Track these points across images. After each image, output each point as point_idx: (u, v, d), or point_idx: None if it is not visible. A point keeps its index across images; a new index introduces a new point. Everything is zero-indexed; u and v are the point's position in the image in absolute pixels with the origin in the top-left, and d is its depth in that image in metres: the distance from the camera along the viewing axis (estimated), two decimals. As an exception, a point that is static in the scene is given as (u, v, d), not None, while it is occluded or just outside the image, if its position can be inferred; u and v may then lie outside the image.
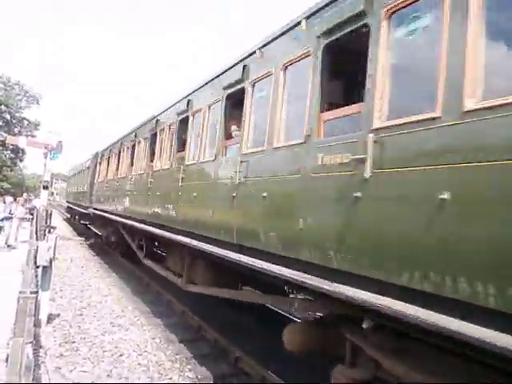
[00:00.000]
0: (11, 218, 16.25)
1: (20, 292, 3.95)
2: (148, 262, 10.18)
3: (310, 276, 3.81)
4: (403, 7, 3.32)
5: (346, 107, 4.19)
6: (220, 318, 8.17)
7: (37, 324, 6.41)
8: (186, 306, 9.11)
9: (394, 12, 3.41)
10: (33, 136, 56.98)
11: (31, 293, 3.92)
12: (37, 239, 10.53)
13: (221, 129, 6.52)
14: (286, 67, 4.92)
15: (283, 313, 8.39)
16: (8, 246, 15.69)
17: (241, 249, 5.37)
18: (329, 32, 4.12)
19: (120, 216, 12.64)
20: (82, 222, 24.05)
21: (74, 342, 7.08)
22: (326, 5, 4.20)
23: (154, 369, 6.31)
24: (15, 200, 18.76)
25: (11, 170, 63.53)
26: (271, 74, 5.18)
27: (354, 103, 4.05)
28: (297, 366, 5.68)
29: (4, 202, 16.74)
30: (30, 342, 2.87)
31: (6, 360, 3.07)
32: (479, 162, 2.54)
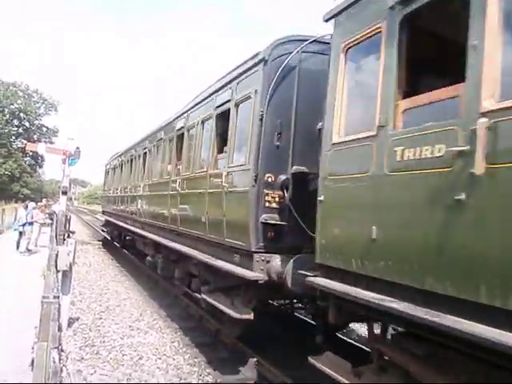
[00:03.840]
0: (32, 223, 16.65)
1: (43, 297, 4.03)
2: None
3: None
4: None
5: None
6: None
7: (58, 328, 6.52)
8: (204, 309, 9.12)
9: None
10: (51, 142, 58.32)
11: (54, 297, 4.00)
12: (57, 244, 10.73)
13: None
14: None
15: (305, 318, 8.33)
16: (28, 250, 16.08)
17: None
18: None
19: None
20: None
21: (94, 346, 7.18)
22: None
23: (172, 372, 6.35)
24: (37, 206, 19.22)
25: (31, 176, 65.06)
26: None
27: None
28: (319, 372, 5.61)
29: (26, 208, 17.16)
30: (56, 348, 2.92)
31: (32, 364, 3.12)
32: None
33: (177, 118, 9.97)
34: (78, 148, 17.88)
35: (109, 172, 22.44)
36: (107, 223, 22.01)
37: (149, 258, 11.80)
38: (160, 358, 6.81)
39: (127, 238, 16.92)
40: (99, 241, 23.83)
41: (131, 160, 15.37)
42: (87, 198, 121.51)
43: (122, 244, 18.84)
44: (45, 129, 66.17)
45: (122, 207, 16.37)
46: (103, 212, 24.63)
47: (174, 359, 6.81)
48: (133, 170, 14.99)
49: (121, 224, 16.08)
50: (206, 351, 7.20)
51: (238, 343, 7.17)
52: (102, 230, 24.67)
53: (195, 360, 6.81)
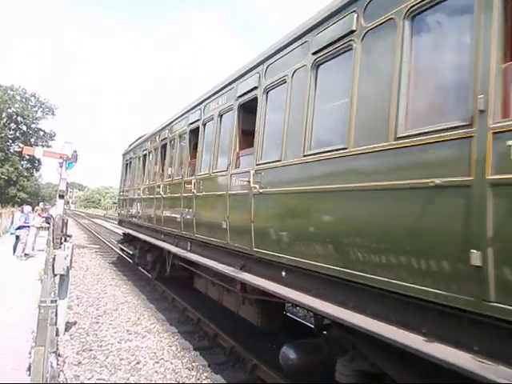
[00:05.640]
0: (28, 227, 16.58)
1: (41, 301, 4.01)
2: None
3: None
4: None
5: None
6: (236, 326, 8.13)
7: (55, 332, 6.47)
8: (202, 313, 9.10)
9: None
10: (48, 146, 58.24)
11: (51, 302, 3.98)
12: (54, 247, 10.68)
13: None
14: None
15: (303, 321, 8.31)
16: (25, 254, 16.00)
17: None
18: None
19: None
20: None
21: (91, 350, 7.13)
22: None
23: (171, 376, 6.31)
24: (33, 210, 19.12)
25: (27, 180, 64.84)
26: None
27: None
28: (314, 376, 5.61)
29: (22, 212, 17.08)
30: (54, 352, 2.90)
31: (29, 369, 3.10)
32: None
33: None
34: (75, 151, 17.81)
35: (131, 163, 15.23)
36: (128, 239, 14.82)
37: (293, 358, 4.56)
38: (158, 362, 6.78)
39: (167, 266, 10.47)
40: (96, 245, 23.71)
41: (186, 134, 9.04)
42: (84, 202, 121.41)
43: (156, 275, 12.03)
44: (42, 132, 66.05)
45: (167, 215, 9.88)
46: (120, 222, 16.94)
47: (171, 363, 6.78)
48: (200, 149, 8.17)
49: (160, 245, 10.02)
50: (204, 355, 7.18)
51: (236, 347, 7.15)
52: (121, 249, 16.70)
53: (193, 364, 6.78)
